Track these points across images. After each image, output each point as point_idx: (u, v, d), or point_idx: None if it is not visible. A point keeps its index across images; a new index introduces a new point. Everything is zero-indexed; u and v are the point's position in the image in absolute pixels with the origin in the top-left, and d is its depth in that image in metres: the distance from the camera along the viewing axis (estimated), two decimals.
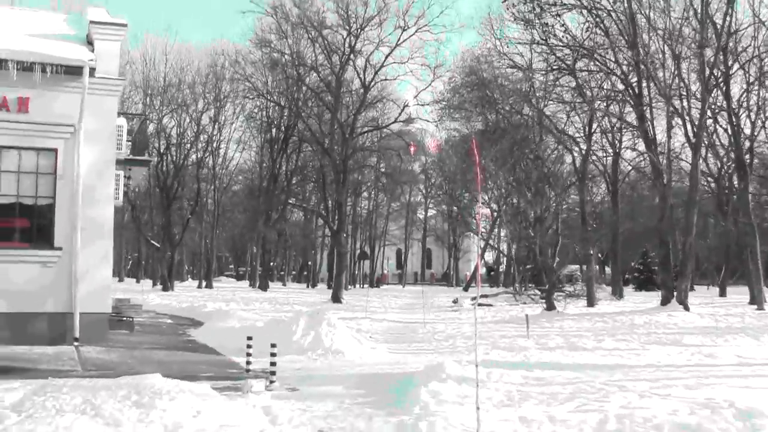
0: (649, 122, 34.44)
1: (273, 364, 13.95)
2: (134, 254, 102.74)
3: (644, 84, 34.09)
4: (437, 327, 27.78)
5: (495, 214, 79.05)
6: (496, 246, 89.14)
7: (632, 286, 74.24)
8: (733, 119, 39.85)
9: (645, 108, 33.67)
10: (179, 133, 65.50)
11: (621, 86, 36.66)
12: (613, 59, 34.71)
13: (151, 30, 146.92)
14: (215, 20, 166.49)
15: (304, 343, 18.54)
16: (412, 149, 71.83)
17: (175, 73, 67.19)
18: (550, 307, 33.92)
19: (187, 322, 29.07)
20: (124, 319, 23.55)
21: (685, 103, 35.75)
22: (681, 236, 35.84)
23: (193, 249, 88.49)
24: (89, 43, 20.56)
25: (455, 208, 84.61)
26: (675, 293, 33.68)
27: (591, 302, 38.91)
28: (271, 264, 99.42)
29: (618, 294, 51.81)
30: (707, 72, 34.14)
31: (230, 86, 60.85)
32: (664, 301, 33.88)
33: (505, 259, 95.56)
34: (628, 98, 35.01)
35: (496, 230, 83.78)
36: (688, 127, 35.47)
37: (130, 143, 26.99)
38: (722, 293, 59.10)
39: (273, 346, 14.16)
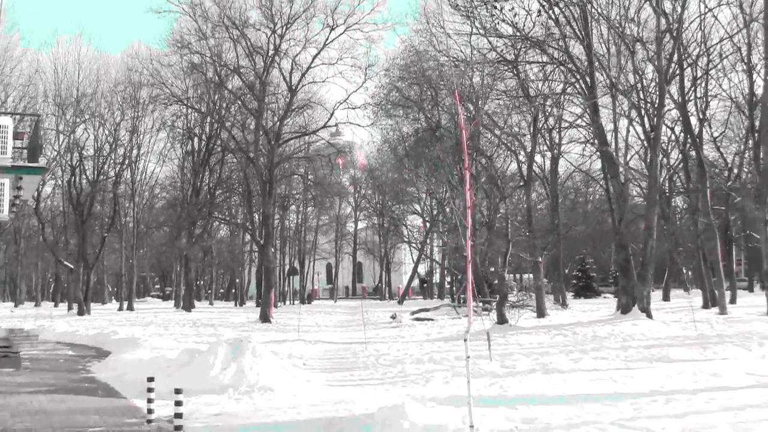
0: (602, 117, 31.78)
1: (178, 416, 10.53)
2: (51, 277, 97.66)
3: (596, 76, 31.31)
4: (379, 348, 24.44)
5: (428, 223, 76.65)
6: (429, 256, 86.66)
7: (570, 293, 71.96)
8: (688, 113, 37.39)
9: (598, 99, 30.84)
10: (96, 147, 61.09)
11: (571, 79, 33.89)
12: (563, 50, 31.88)
13: (63, 33, 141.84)
14: (132, 25, 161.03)
15: (224, 378, 15.09)
16: (340, 162, 68.89)
17: (89, 83, 63.13)
18: (502, 320, 30.82)
19: (91, 353, 25.21)
20: (9, 354, 19.73)
21: (639, 96, 33.21)
22: (641, 238, 32.97)
23: (116, 270, 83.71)
24: None
25: (391, 217, 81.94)
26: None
27: (541, 313, 36.16)
28: (199, 283, 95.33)
29: (562, 302, 49.41)
30: (664, 62, 31.44)
31: (147, 93, 56.55)
32: (624, 309, 31.23)
33: (438, 270, 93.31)
34: (580, 91, 32.11)
35: (429, 240, 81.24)
36: (645, 121, 32.88)
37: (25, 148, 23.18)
38: (665, 297, 57.19)
39: (177, 392, 10.74)
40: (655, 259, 32.51)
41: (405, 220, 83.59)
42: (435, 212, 73.48)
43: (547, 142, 43.75)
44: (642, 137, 35.77)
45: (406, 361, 20.17)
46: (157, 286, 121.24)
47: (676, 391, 13.25)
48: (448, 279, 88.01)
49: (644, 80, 34.17)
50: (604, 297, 77.75)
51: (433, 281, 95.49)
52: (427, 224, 77.59)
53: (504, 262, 32.13)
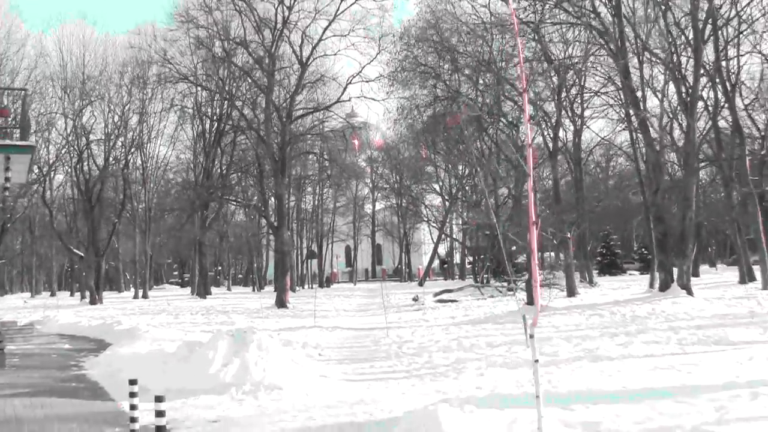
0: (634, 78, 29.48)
1: (160, 429, 8.58)
2: (68, 266, 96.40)
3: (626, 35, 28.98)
4: (402, 334, 22.41)
5: (447, 202, 74.74)
6: (450, 235, 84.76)
7: (594, 270, 69.86)
8: (725, 77, 34.96)
9: (630, 59, 28.45)
10: (105, 131, 59.20)
11: (597, 41, 31.53)
12: (590, 9, 29.57)
13: (67, 18, 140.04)
14: (137, 7, 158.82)
15: (225, 375, 13.11)
16: (356, 143, 66.91)
17: (96, 65, 61.33)
18: (532, 301, 28.58)
19: (90, 346, 23.28)
20: None
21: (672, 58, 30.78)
22: (678, 210, 30.69)
23: (133, 257, 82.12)
24: None
25: (410, 195, 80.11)
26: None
27: (571, 292, 34.06)
28: (218, 268, 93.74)
29: (589, 280, 47.37)
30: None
31: (154, 73, 54.30)
32: (663, 286, 29.11)
33: (459, 249, 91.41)
34: (608, 52, 29.70)
35: (449, 219, 79.25)
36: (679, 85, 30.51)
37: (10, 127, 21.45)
38: (695, 273, 54.82)
39: (158, 399, 8.79)
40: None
41: (424, 199, 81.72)
42: (455, 190, 71.55)
43: (569, 113, 41.52)
44: (672, 103, 33.29)
45: (432, 349, 18.12)
46: (176, 273, 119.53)
47: (757, 382, 11.14)
48: (470, 259, 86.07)
49: (676, 42, 31.69)
50: (630, 274, 76.00)
51: (454, 261, 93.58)
52: (447, 203, 75.57)
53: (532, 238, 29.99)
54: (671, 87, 32.35)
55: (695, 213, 29.60)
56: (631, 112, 40.40)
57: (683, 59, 33.36)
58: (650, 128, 29.63)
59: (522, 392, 11.45)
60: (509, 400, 10.45)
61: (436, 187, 78.16)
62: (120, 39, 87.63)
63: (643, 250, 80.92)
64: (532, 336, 8.13)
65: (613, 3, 28.40)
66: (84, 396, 13.68)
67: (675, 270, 30.30)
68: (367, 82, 45.02)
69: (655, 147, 29.50)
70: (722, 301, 26.72)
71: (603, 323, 22.09)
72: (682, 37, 32.02)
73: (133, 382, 10.28)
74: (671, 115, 33.65)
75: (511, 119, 31.35)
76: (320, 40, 44.35)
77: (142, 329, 23.07)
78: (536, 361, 8.04)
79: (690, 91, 29.23)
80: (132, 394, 10.11)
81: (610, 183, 79.13)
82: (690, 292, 27.94)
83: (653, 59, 30.72)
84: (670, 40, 29.92)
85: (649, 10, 29.75)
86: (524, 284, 41.73)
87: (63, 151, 59.71)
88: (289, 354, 14.97)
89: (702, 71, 30.06)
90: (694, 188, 28.83)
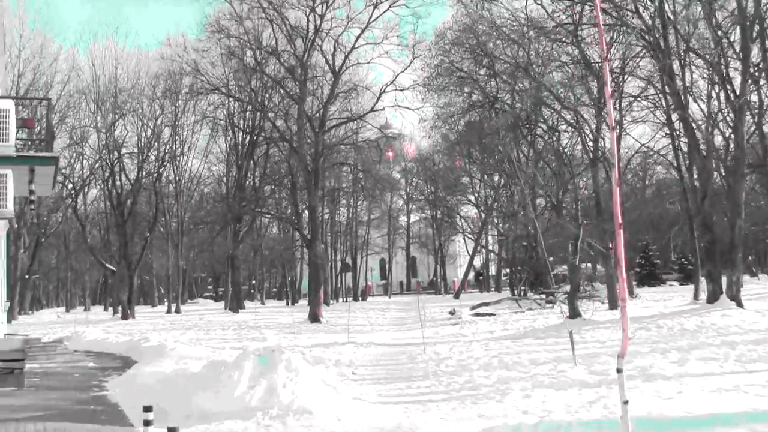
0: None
1: None
2: (101, 280, 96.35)
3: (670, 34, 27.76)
4: (439, 351, 21.41)
5: (482, 214, 73.76)
6: (485, 246, 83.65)
7: (633, 281, 68.43)
8: None
9: (673, 61, 27.13)
10: (138, 145, 58.89)
11: (639, 42, 30.37)
12: (632, 8, 28.41)
13: (99, 32, 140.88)
14: (168, 22, 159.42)
15: (251, 399, 12.16)
16: (390, 155, 65.98)
17: (128, 78, 61.16)
18: (574, 314, 27.44)
19: (115, 364, 22.47)
20: (14, 370, 17.09)
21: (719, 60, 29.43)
22: (728, 219, 29.26)
23: (167, 271, 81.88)
24: None
25: (445, 207, 79.13)
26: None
27: (613, 304, 32.79)
28: (252, 282, 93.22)
29: (629, 291, 45.98)
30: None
31: (186, 83, 53.66)
32: (711, 298, 27.79)
33: (495, 261, 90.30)
34: (652, 54, 28.42)
35: (485, 231, 78.26)
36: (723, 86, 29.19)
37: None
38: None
39: (171, 431, 7.85)
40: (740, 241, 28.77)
41: (459, 211, 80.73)
42: (490, 200, 70.47)
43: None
44: (713, 108, 31.80)
45: (472, 367, 17.10)
46: (210, 287, 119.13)
47: None
48: (506, 271, 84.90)
49: (721, 42, 30.39)
50: (670, 285, 74.55)
51: (489, 274, 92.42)
52: (482, 214, 74.52)
53: (575, 249, 28.80)
54: (713, 91, 30.92)
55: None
56: (674, 116, 39.31)
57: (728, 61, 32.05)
58: (696, 132, 28.30)
59: (575, 419, 10.40)
60: (563, 429, 9.43)
61: (472, 198, 77.11)
62: (152, 53, 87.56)
63: (683, 260, 79.40)
64: (620, 371, 6.85)
65: (656, 2, 27.21)
66: (101, 420, 12.80)
67: (723, 280, 29.09)
68: (401, 90, 44.19)
69: (702, 152, 28.21)
70: None
71: (650, 337, 20.92)
72: (725, 39, 30.74)
73: (147, 408, 9.43)
74: (714, 121, 32.25)
75: (551, 124, 30.16)
76: (353, 48, 43.62)
77: (169, 346, 22.23)
78: (625, 402, 6.84)
79: (737, 92, 27.96)
80: (147, 422, 9.24)
81: (648, 192, 77.59)
82: (740, 304, 26.67)
83: (697, 61, 29.42)
84: (717, 38, 28.54)
85: (692, 9, 28.42)
86: (565, 297, 40.60)
87: (96, 166, 59.57)
88: (320, 374, 14.06)
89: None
90: (743, 195, 27.52)
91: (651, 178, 75.68)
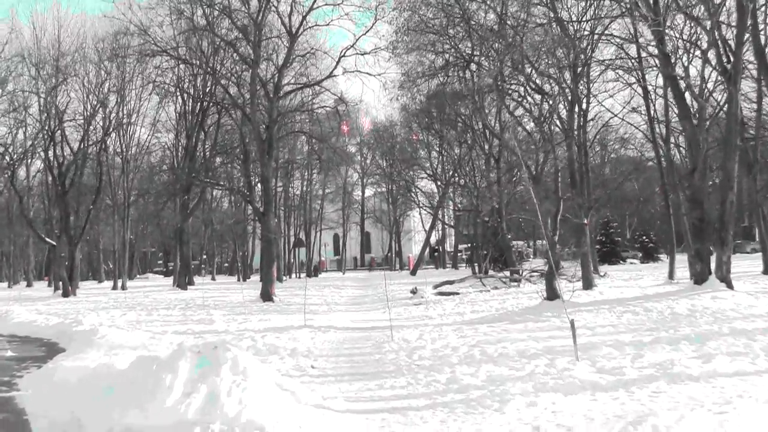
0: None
1: None
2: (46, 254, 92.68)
3: None
4: (408, 337, 18.93)
5: (441, 188, 71.96)
6: (443, 221, 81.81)
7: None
8: None
9: (663, 19, 24.59)
10: (85, 114, 55.54)
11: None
12: None
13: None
14: None
15: (187, 409, 9.54)
16: (345, 128, 63.80)
17: (71, 42, 57.80)
18: (553, 295, 25.03)
19: (38, 352, 19.46)
20: None
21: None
22: (719, 192, 26.98)
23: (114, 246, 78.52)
24: None
25: (404, 180, 77.09)
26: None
27: (588, 284, 30.57)
28: (203, 257, 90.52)
29: (594, 269, 44.12)
30: None
31: (132, 44, 50.15)
32: (699, 279, 25.69)
33: (452, 237, 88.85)
34: (639, 11, 25.82)
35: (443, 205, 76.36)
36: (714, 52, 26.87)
37: None
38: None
39: None
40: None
41: (416, 185, 78.75)
42: (450, 173, 68.44)
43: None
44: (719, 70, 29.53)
45: (452, 360, 14.64)
46: (160, 262, 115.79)
47: None
48: (465, 247, 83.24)
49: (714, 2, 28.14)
50: (630, 262, 73.72)
51: (446, 250, 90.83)
52: (441, 188, 72.49)
53: (554, 225, 26.45)
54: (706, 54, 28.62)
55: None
56: (650, 85, 37.26)
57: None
58: (687, 96, 26.07)
59: None
60: None
61: (429, 171, 75.05)
62: (99, 17, 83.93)
63: (644, 237, 78.25)
64: None
65: None
66: None
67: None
68: (362, 54, 41.26)
69: (692, 120, 26.00)
70: None
71: (643, 323, 18.70)
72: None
73: None
74: (705, 84, 30.16)
75: (534, 87, 27.65)
76: (311, 9, 40.58)
77: (100, 332, 19.46)
78: None
79: (731, 57, 25.72)
80: None
81: (606, 170, 76.22)
82: (730, 285, 24.65)
83: (690, 22, 27.13)
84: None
85: None
86: (539, 276, 38.51)
87: (37, 135, 56.25)
88: (273, 375, 11.51)
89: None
90: (735, 168, 25.34)
91: (620, 150, 73.86)
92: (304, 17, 40.63)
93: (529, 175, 25.64)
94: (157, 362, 11.26)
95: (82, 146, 54.08)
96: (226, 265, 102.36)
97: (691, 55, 31.91)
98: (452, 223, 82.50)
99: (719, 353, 13.23)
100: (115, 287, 58.13)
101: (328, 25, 43.12)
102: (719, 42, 26.12)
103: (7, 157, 57.50)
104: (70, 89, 55.83)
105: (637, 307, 22.05)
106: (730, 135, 25.12)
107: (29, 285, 76.49)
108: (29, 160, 65.55)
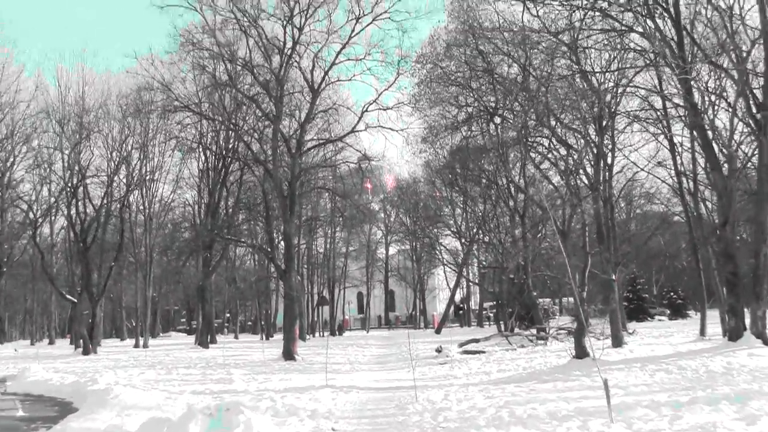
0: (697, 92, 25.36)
1: None
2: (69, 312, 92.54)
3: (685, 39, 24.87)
4: (433, 397, 18.23)
5: (465, 245, 71.29)
6: (468, 278, 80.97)
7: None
8: None
9: (690, 68, 24.14)
10: (108, 171, 55.59)
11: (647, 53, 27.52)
12: (644, 12, 25.50)
13: (66, 54, 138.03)
14: (138, 43, 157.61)
15: None
16: (368, 186, 63.57)
17: (95, 99, 58.22)
18: (581, 354, 24.30)
19: (49, 413, 18.87)
20: None
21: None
22: (750, 246, 26.29)
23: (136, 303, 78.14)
24: None
25: (428, 237, 76.49)
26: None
27: (618, 342, 29.80)
28: (227, 315, 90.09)
29: (623, 327, 43.18)
30: None
31: (155, 100, 50.15)
32: (734, 335, 24.88)
33: (478, 295, 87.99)
34: (667, 63, 25.35)
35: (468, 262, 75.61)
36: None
37: None
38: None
39: None
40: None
41: (440, 242, 78.05)
42: (474, 230, 67.85)
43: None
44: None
45: (479, 422, 13.94)
46: (183, 320, 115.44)
47: None
48: (490, 305, 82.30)
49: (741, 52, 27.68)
50: (659, 319, 72.49)
51: (470, 308, 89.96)
52: (465, 245, 71.78)
53: (582, 280, 25.79)
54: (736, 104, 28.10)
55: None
56: (677, 138, 36.65)
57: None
58: (715, 148, 25.49)
59: None
60: None
61: (453, 229, 74.45)
62: (122, 76, 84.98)
63: (671, 294, 77.06)
64: None
65: (672, 8, 24.42)
66: None
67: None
68: (384, 110, 41.01)
69: (722, 171, 25.39)
70: None
71: (677, 382, 17.93)
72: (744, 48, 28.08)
73: None
74: (732, 133, 29.55)
75: (559, 139, 27.18)
76: (333, 64, 40.46)
77: (114, 392, 18.87)
78: None
79: (760, 105, 25.16)
80: None
81: (633, 226, 75.24)
82: (766, 342, 23.81)
83: (717, 72, 26.66)
84: (737, 45, 25.76)
85: (709, 15, 25.69)
86: (566, 334, 37.66)
87: (60, 191, 56.41)
88: None
89: None
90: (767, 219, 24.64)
91: (647, 205, 73.00)
92: (326, 73, 40.59)
93: (557, 230, 24.96)
94: (167, 424, 10.71)
95: (104, 203, 54.04)
96: (250, 323, 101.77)
97: (716, 106, 31.36)
98: (477, 281, 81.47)
99: (763, 414, 12.46)
100: (137, 345, 57.79)
101: (350, 80, 43.14)
102: (747, 91, 25.58)
103: (31, 214, 57.66)
104: (93, 146, 56.04)
105: (671, 365, 21.31)
106: (762, 186, 24.46)
107: (51, 342, 76.32)
108: (53, 217, 65.85)
